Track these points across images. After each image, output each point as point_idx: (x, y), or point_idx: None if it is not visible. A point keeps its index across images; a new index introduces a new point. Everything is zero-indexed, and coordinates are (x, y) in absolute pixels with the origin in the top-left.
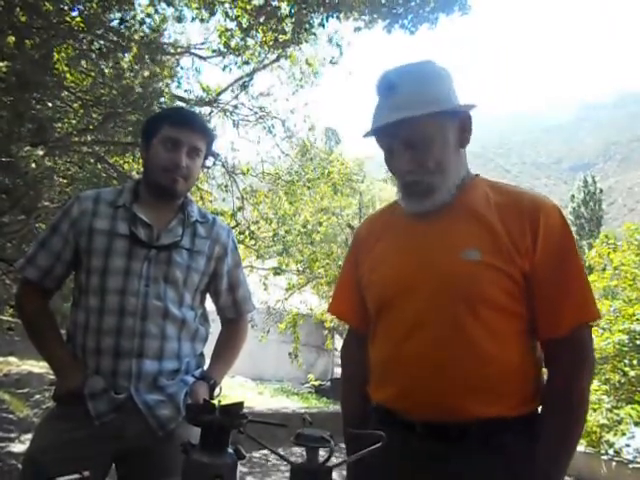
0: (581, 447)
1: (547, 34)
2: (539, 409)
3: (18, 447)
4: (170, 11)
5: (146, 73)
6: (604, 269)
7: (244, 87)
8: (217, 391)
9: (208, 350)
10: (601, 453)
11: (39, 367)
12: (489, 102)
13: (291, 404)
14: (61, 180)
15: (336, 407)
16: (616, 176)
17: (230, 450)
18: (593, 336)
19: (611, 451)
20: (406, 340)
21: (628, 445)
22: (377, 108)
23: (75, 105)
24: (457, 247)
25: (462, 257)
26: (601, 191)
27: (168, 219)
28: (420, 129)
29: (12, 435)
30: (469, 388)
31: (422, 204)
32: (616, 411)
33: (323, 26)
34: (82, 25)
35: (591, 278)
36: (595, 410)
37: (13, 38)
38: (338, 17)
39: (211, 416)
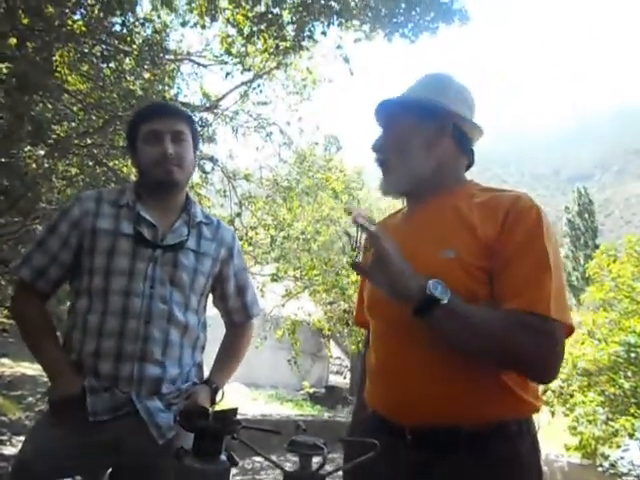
0: (576, 459)
1: (546, 48)
2: (526, 417)
3: (9, 450)
4: (172, 17)
5: (147, 75)
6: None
7: (245, 95)
8: (219, 396)
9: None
10: (596, 465)
11: (32, 369)
12: (489, 114)
13: (285, 411)
14: (60, 182)
15: (330, 415)
16: (613, 188)
17: (223, 456)
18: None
19: (606, 463)
20: (390, 347)
21: (622, 458)
22: None
23: (75, 108)
24: (436, 247)
25: (441, 256)
26: (592, 203)
27: (172, 220)
28: (394, 117)
29: (4, 438)
30: (455, 395)
31: (382, 183)
32: (611, 423)
33: (325, 34)
34: (84, 29)
35: (590, 289)
36: (590, 422)
37: (15, 40)
38: (340, 24)
39: (205, 422)
